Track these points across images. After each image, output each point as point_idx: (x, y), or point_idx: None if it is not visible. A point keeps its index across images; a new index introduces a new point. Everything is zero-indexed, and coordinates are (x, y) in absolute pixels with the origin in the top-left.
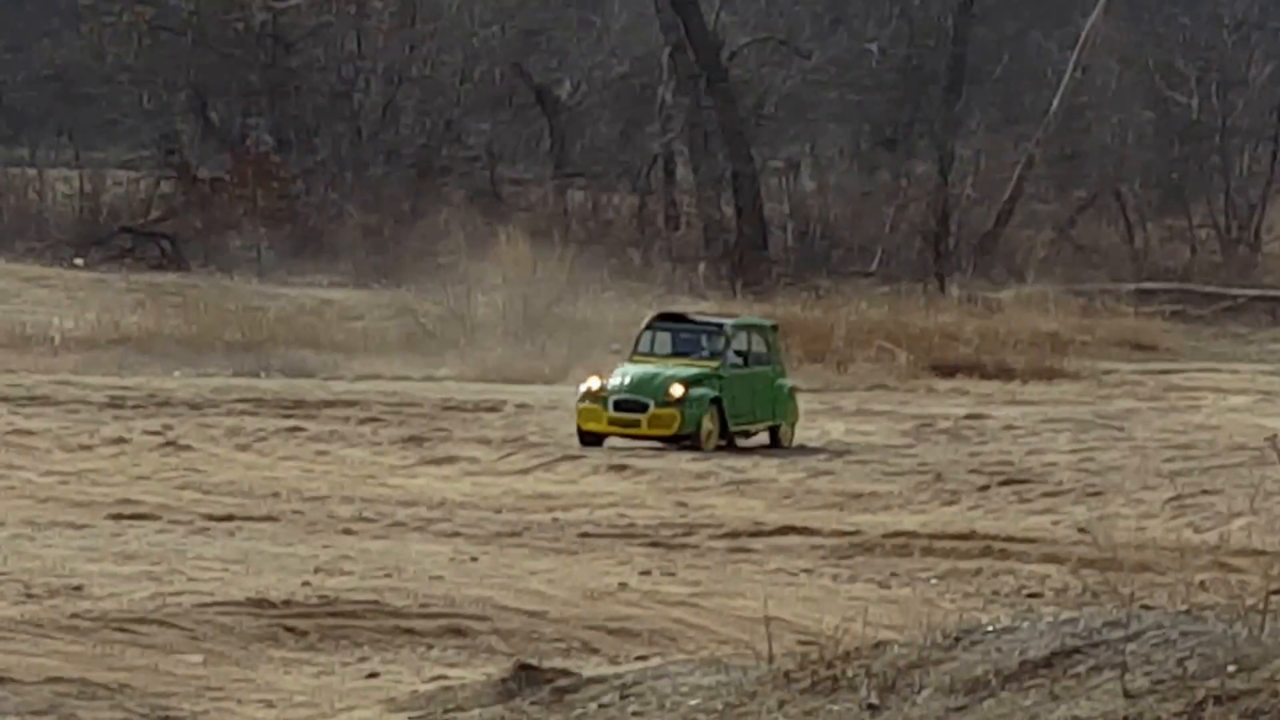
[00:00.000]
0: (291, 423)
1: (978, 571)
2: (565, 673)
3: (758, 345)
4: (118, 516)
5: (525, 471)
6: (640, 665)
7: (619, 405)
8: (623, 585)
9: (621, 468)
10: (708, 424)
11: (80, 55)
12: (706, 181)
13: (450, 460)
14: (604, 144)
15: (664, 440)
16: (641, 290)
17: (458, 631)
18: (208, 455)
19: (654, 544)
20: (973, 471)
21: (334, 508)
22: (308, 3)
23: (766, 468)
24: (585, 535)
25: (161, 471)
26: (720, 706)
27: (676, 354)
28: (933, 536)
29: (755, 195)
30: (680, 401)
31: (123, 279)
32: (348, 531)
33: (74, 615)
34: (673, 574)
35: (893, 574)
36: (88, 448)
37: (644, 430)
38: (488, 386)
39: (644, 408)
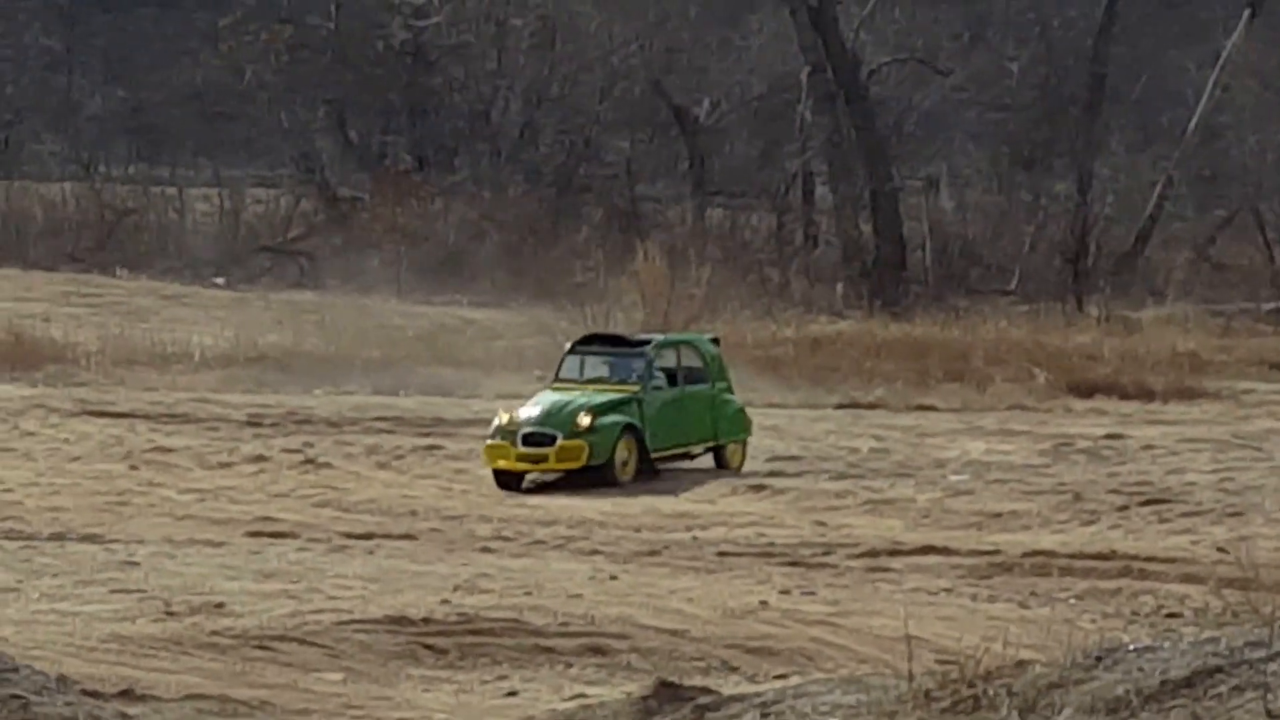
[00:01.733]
0: (430, 441)
1: (1117, 591)
2: (706, 691)
3: (691, 362)
4: (257, 534)
5: (665, 490)
6: (780, 684)
7: (527, 439)
8: (762, 604)
9: (760, 487)
10: (621, 453)
11: (220, 74)
12: (845, 200)
13: None
14: (742, 163)
15: (574, 473)
16: (779, 309)
17: (597, 650)
18: (346, 473)
19: (793, 563)
20: (1112, 491)
21: (473, 526)
22: (448, 21)
23: (904, 487)
24: (724, 554)
25: (300, 489)
26: None
27: (600, 379)
28: (1072, 556)
29: (894, 214)
30: (589, 431)
31: (262, 297)
32: (487, 549)
33: (214, 633)
34: (812, 593)
35: (1032, 593)
36: (227, 465)
37: (552, 464)
38: None
39: (552, 440)
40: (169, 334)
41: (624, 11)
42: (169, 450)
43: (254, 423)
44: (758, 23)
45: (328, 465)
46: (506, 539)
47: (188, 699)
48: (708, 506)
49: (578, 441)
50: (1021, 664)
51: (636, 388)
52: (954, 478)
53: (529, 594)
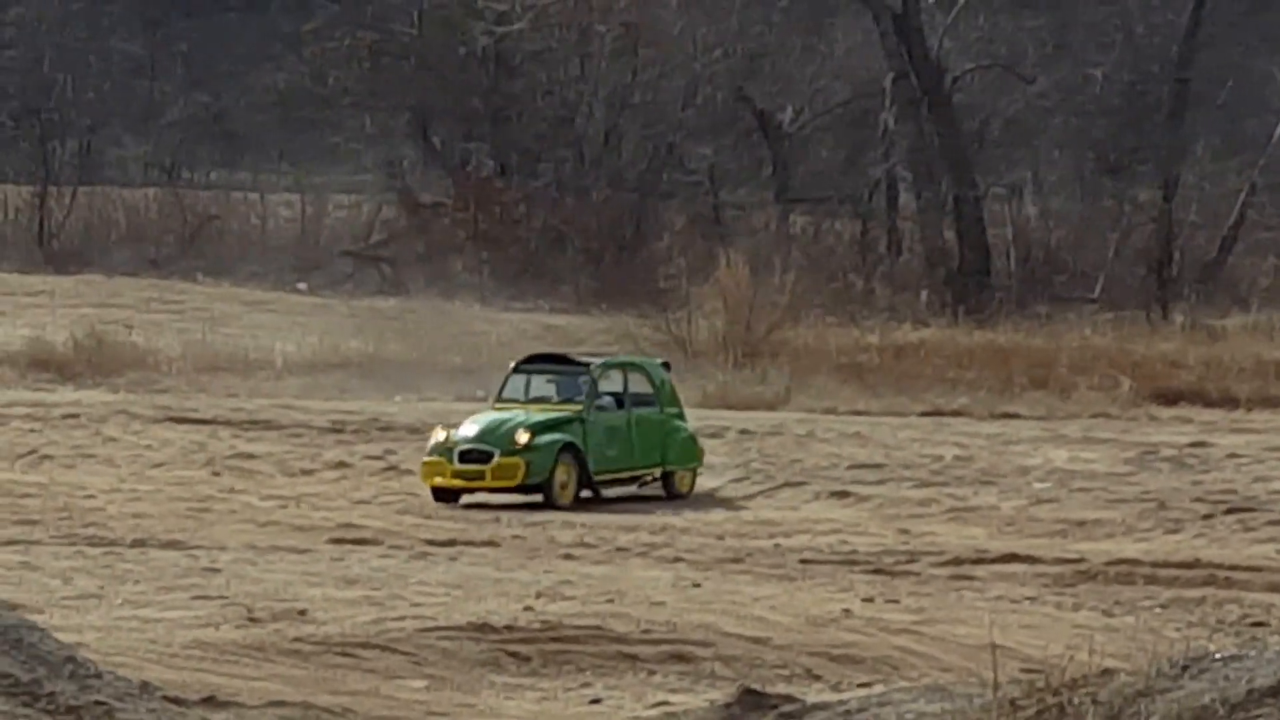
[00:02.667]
0: None
1: (1202, 600)
2: (789, 699)
3: (639, 385)
4: (339, 541)
5: (748, 497)
6: (863, 692)
7: (464, 456)
8: (845, 612)
9: (844, 494)
10: (561, 474)
11: (303, 80)
12: (929, 207)
13: None
14: (826, 169)
15: (511, 491)
16: (863, 316)
17: (680, 657)
18: None
19: (876, 571)
20: (1196, 500)
21: (555, 532)
22: (530, 27)
23: (988, 495)
24: (807, 562)
25: (382, 496)
26: None
27: (544, 398)
28: (1156, 565)
29: (978, 221)
30: (526, 449)
31: (344, 303)
32: (569, 556)
33: (297, 639)
34: (895, 601)
35: (1116, 602)
36: (309, 472)
37: (488, 482)
38: (709, 412)
39: (489, 457)
40: (251, 340)
41: (707, 17)
42: (251, 457)
43: (336, 429)
44: (841, 29)
45: (410, 472)
46: (589, 546)
47: (270, 706)
48: (791, 514)
49: (514, 459)
50: (1106, 673)
51: (579, 408)
52: (1038, 486)
53: (612, 601)
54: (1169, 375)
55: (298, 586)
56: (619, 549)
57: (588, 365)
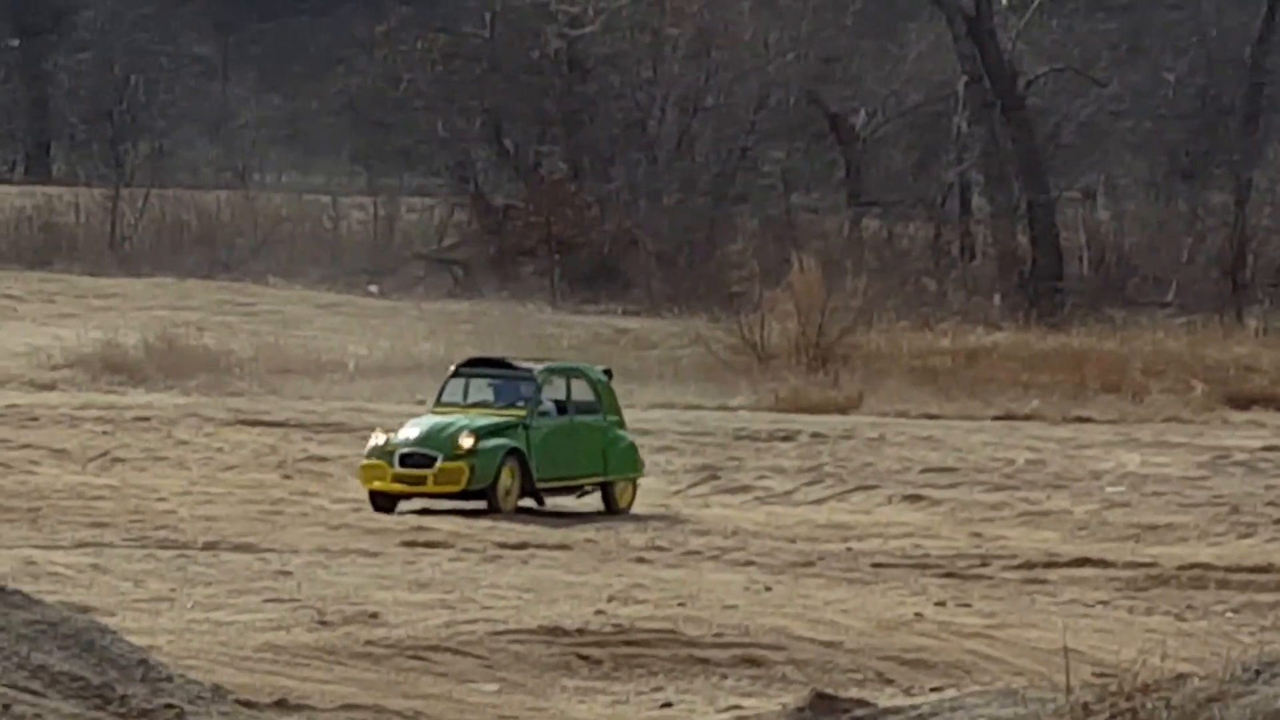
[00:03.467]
0: None
1: (1275, 604)
2: (861, 703)
3: (582, 393)
4: (411, 544)
5: (819, 501)
6: (936, 696)
7: (405, 460)
8: (918, 616)
9: (916, 498)
10: (505, 479)
11: (375, 83)
12: (1002, 211)
13: (744, 489)
14: (899, 172)
15: (454, 497)
16: (936, 320)
17: (752, 661)
18: None
19: (948, 575)
20: (1270, 504)
21: (627, 536)
22: (603, 30)
23: (1061, 499)
24: (879, 565)
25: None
26: None
27: (484, 403)
28: (1229, 569)
29: (1051, 225)
30: (470, 453)
31: (415, 306)
32: (641, 560)
33: (368, 642)
34: (968, 605)
35: (1189, 606)
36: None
37: (431, 487)
38: (781, 416)
39: (431, 461)
40: (323, 343)
41: (780, 20)
42: (323, 460)
43: None
44: (914, 32)
45: None
46: (661, 549)
47: (342, 709)
48: (863, 517)
49: (458, 463)
50: (1180, 677)
51: (522, 413)
52: (1110, 490)
53: (683, 604)
54: (1242, 379)
55: (369, 589)
56: (691, 552)
57: (530, 370)
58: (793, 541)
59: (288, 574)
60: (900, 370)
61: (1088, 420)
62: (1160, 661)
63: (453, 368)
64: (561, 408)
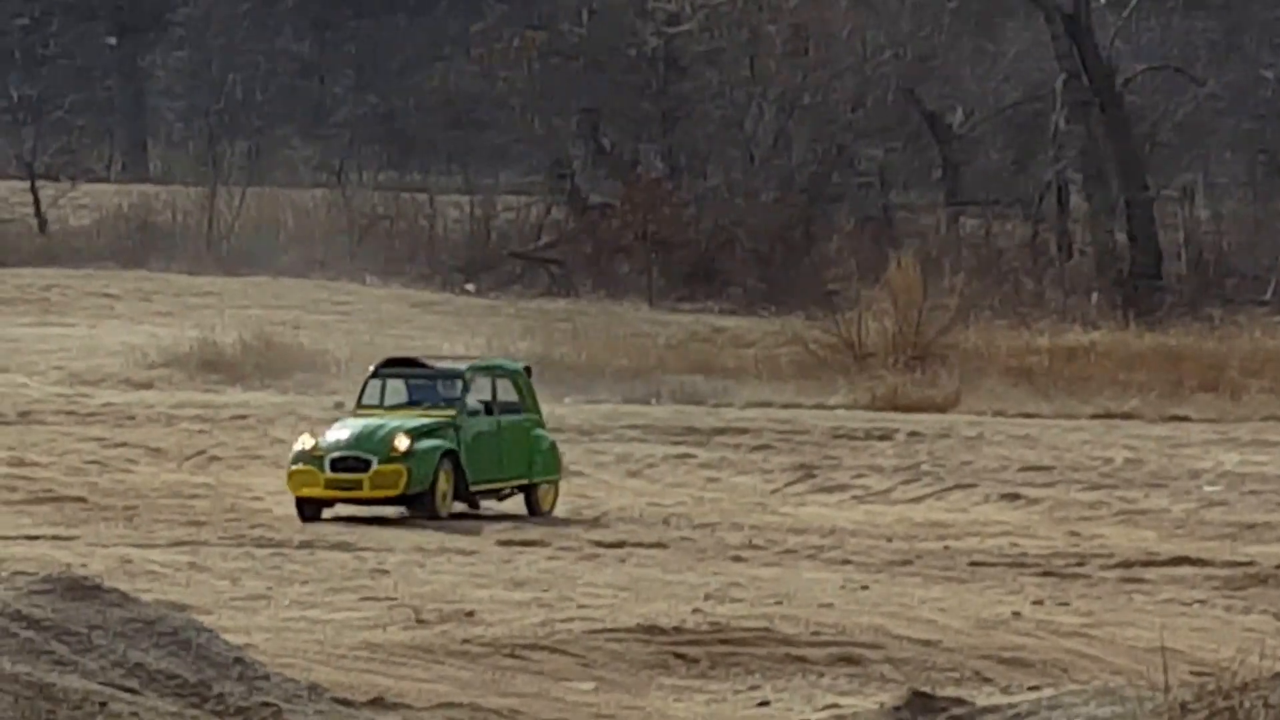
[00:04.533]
0: (681, 450)
1: None
2: (959, 702)
3: (506, 392)
4: (507, 543)
5: (917, 500)
6: (1034, 695)
7: (336, 464)
8: (1015, 614)
9: (1014, 496)
10: (443, 482)
11: (472, 81)
12: (1100, 209)
13: (841, 488)
14: (996, 171)
15: (392, 503)
16: (1033, 318)
17: (849, 659)
18: (597, 481)
19: (1046, 573)
20: None
21: (724, 535)
22: (700, 28)
23: (1159, 498)
24: (977, 564)
25: None
26: None
27: (408, 404)
28: None
29: (1149, 223)
30: (407, 456)
31: (512, 305)
32: (738, 559)
33: (465, 641)
34: (1065, 604)
35: None
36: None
37: (367, 492)
38: (878, 415)
39: (365, 465)
40: (419, 341)
41: (877, 18)
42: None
43: None
44: (1012, 30)
45: (579, 473)
46: (758, 548)
47: (438, 707)
48: (960, 516)
49: (395, 467)
50: (1278, 676)
51: (452, 413)
52: (1208, 488)
53: (780, 603)
54: None
55: (466, 588)
56: (788, 551)
57: (458, 369)
58: (890, 540)
59: (384, 572)
60: (997, 369)
61: (1185, 419)
62: (1258, 660)
63: (372, 368)
64: (488, 407)
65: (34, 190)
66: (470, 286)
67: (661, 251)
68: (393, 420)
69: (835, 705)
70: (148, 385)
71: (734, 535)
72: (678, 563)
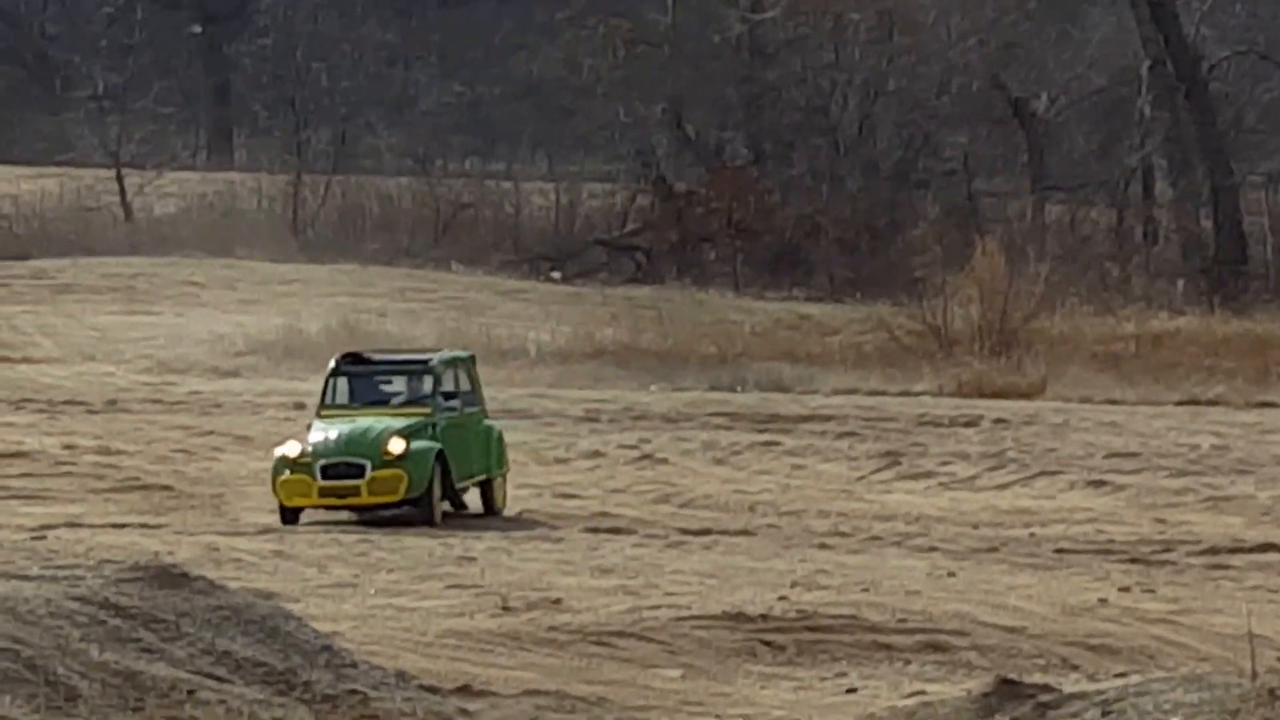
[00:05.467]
0: (767, 437)
1: None
2: (1046, 688)
3: (464, 383)
4: (594, 530)
5: (1003, 487)
6: (1121, 682)
7: (328, 471)
8: (1102, 601)
9: (1100, 484)
10: (436, 485)
11: (556, 68)
12: (1185, 195)
13: (927, 475)
14: (1081, 157)
15: (390, 507)
16: (1119, 305)
17: (936, 647)
18: (683, 469)
19: (1132, 560)
20: None
21: (810, 522)
22: (784, 15)
23: (1245, 484)
24: (1063, 551)
25: (637, 485)
26: None
27: (375, 402)
28: None
29: (1234, 209)
30: (402, 459)
31: (598, 292)
32: (824, 546)
33: (551, 628)
34: (1152, 591)
35: None
36: (564, 461)
37: (365, 499)
38: (964, 402)
39: (360, 471)
40: (505, 329)
41: (962, 4)
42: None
43: (590, 418)
44: (1097, 16)
45: (664, 461)
46: (844, 535)
47: (526, 695)
48: (1046, 503)
49: (394, 471)
50: None
51: (427, 410)
52: None
53: (867, 590)
54: None
55: (552, 575)
56: (874, 538)
57: (427, 362)
58: (976, 527)
59: (471, 560)
60: (1083, 355)
61: (1272, 405)
62: None
63: (332, 364)
64: (453, 400)
65: (120, 179)
66: (555, 274)
67: (747, 239)
68: (374, 421)
69: (922, 692)
70: (234, 373)
71: (820, 522)
72: (764, 550)
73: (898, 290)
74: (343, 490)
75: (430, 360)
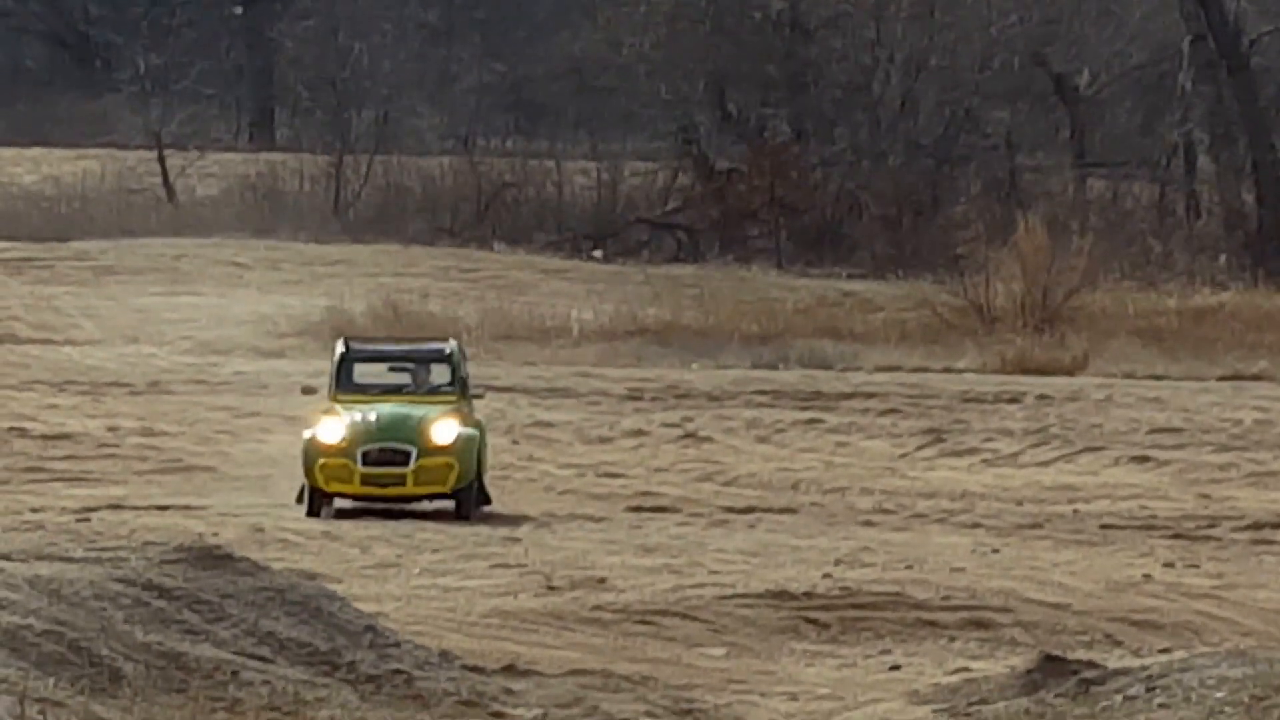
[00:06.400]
0: (810, 414)
1: None
2: (1091, 664)
3: (462, 369)
4: (637, 509)
5: (1046, 463)
6: (1165, 658)
7: (370, 458)
8: (1146, 577)
9: (1143, 459)
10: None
11: (598, 47)
12: (1227, 170)
13: (971, 452)
14: (1123, 133)
15: (433, 498)
16: (1162, 280)
17: (980, 624)
18: (726, 447)
19: (1176, 536)
20: None
21: (854, 499)
22: None
23: None
24: (1107, 527)
25: (680, 463)
26: (1247, 699)
27: (393, 389)
28: None
29: (1277, 184)
30: (451, 447)
31: (640, 270)
32: (868, 523)
33: (596, 608)
34: (1196, 566)
35: None
36: (607, 440)
37: (411, 488)
38: (1007, 378)
39: (405, 458)
40: (548, 308)
41: None
42: (549, 425)
43: (633, 397)
44: None
45: (708, 439)
46: (888, 512)
47: (570, 674)
48: (1090, 479)
49: (444, 459)
50: None
51: (452, 397)
52: None
53: (910, 568)
54: None
55: (596, 554)
56: (917, 515)
57: (445, 349)
58: (1020, 504)
59: (515, 540)
60: (1126, 331)
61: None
62: None
63: (341, 349)
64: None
65: (162, 160)
66: (598, 253)
67: (789, 216)
68: (409, 407)
69: (966, 669)
70: (278, 354)
71: (864, 500)
72: (807, 528)
73: (940, 267)
74: (387, 479)
75: (446, 347)
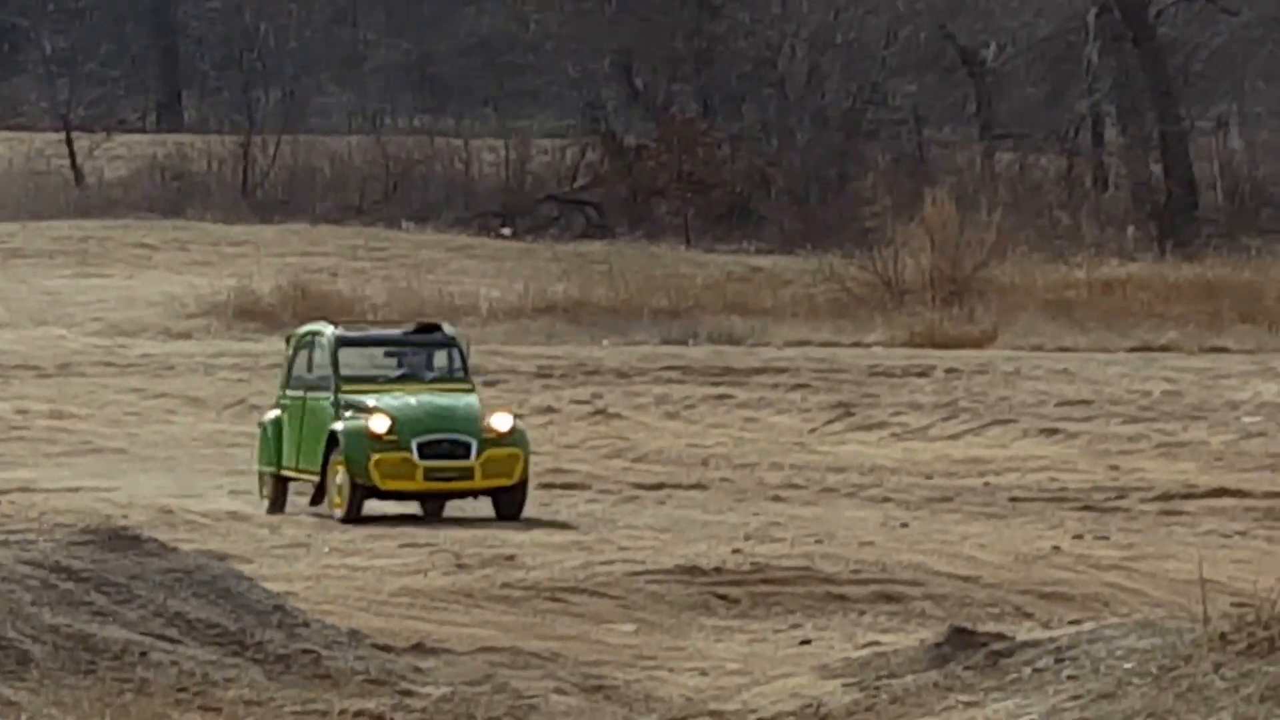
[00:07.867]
0: (720, 390)
1: None
2: (999, 637)
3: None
4: (548, 486)
5: (955, 436)
6: (1074, 629)
7: (428, 450)
8: (1055, 549)
9: (1052, 431)
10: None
11: (505, 24)
12: (1134, 142)
13: (880, 426)
14: (1030, 105)
15: (488, 494)
16: (1070, 252)
17: (889, 597)
18: (636, 423)
19: (1086, 507)
20: None
21: (763, 475)
22: None
23: (1197, 430)
24: (1016, 499)
25: (590, 440)
26: (1155, 670)
27: (399, 377)
28: None
29: (1184, 155)
30: (510, 439)
31: (549, 248)
32: (778, 498)
33: (505, 585)
34: (1105, 537)
35: None
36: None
37: (478, 482)
38: (916, 351)
39: (466, 450)
40: (456, 286)
41: None
42: None
43: (543, 374)
44: None
45: (617, 416)
46: (797, 487)
47: (479, 651)
48: (999, 451)
49: (510, 450)
50: None
51: (467, 385)
52: (1247, 420)
53: (820, 542)
54: None
55: (506, 532)
56: (827, 490)
57: (451, 336)
58: (929, 477)
59: (423, 518)
60: (1035, 303)
61: (1224, 350)
62: None
63: (334, 336)
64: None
65: (69, 142)
66: (506, 230)
67: (697, 192)
68: (448, 397)
69: (876, 642)
70: (186, 335)
71: (773, 475)
72: (717, 503)
73: (848, 241)
74: (450, 472)
75: (451, 332)
